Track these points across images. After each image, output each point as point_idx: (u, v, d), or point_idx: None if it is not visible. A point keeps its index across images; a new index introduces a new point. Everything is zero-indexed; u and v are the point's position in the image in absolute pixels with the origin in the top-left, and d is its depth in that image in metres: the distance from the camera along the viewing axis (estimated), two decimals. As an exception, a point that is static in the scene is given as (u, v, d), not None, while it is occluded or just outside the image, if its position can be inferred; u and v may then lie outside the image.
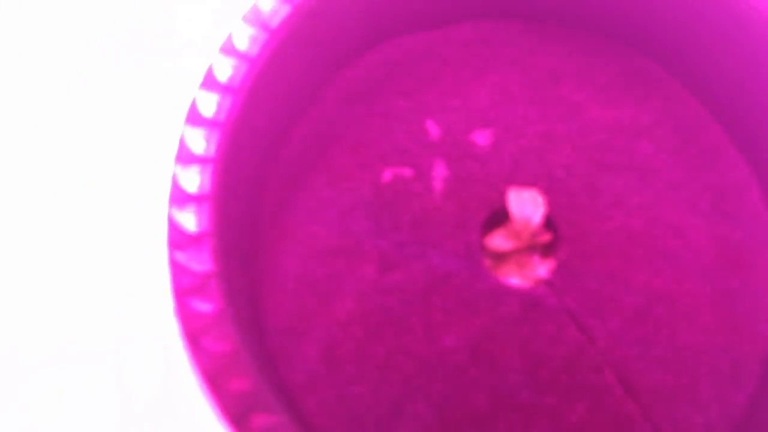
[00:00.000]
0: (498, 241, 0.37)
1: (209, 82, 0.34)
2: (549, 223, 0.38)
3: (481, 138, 0.39)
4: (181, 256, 0.32)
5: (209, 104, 0.34)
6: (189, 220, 0.32)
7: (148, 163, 0.42)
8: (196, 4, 0.45)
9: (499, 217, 0.38)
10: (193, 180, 0.33)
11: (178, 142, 0.33)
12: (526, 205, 0.37)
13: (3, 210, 0.41)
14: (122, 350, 0.40)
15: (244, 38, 0.35)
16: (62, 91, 0.44)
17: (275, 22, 0.35)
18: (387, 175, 0.39)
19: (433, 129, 0.39)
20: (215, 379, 0.31)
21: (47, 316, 0.40)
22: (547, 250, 0.38)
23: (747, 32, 0.37)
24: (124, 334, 0.40)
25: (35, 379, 0.39)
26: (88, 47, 0.44)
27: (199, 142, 0.33)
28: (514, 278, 0.38)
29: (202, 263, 0.32)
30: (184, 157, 0.33)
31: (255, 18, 0.35)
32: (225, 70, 0.34)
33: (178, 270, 0.32)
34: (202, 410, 0.40)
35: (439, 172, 0.38)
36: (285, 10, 0.36)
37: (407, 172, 0.39)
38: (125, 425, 0.39)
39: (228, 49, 0.35)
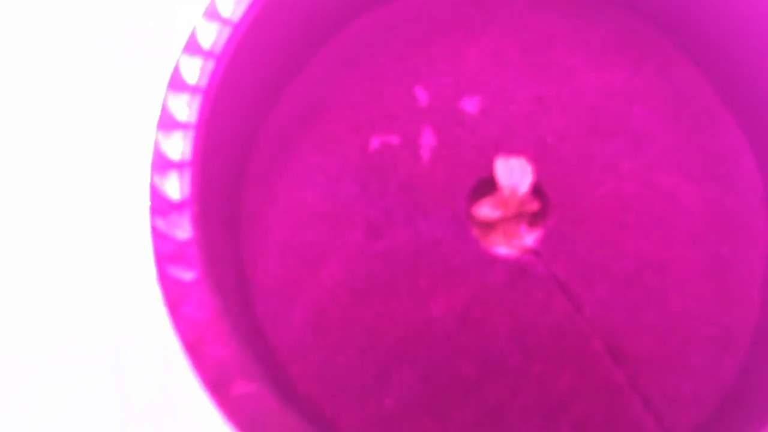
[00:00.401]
0: (485, 209, 0.37)
1: (192, 46, 0.34)
2: (538, 191, 0.38)
3: (470, 105, 0.39)
4: (161, 223, 0.31)
5: (191, 69, 0.34)
6: (170, 187, 0.32)
7: (148, 162, 0.42)
8: (196, 4, 0.45)
9: (487, 186, 0.38)
10: (175, 147, 0.33)
11: (159, 109, 0.33)
12: (514, 174, 0.37)
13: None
14: (122, 349, 0.40)
15: (228, 2, 0.35)
16: (62, 91, 0.43)
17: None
18: (375, 141, 0.38)
19: (422, 95, 0.39)
20: (195, 346, 0.31)
21: (44, 315, 0.40)
22: (535, 219, 0.38)
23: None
24: (123, 333, 0.40)
25: (33, 378, 0.40)
26: (88, 47, 0.44)
27: (181, 108, 0.33)
28: (502, 247, 0.37)
29: (182, 230, 0.32)
30: (166, 123, 0.33)
31: (237, -18, 0.34)
32: (208, 34, 0.34)
33: (158, 237, 0.32)
34: (202, 409, 0.40)
35: (427, 139, 0.38)
36: (269, -26, 0.35)
37: (395, 139, 0.38)
38: (125, 424, 0.39)
39: (211, 13, 0.34)
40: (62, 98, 0.43)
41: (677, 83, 0.39)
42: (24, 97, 0.43)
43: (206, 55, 0.34)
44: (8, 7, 0.44)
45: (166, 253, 0.31)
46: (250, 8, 0.35)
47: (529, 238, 0.38)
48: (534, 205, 0.38)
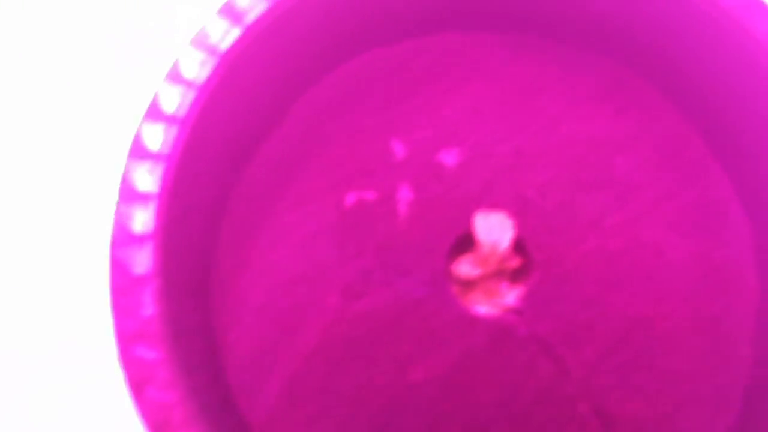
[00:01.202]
0: (465, 267, 0.36)
1: (154, 112, 0.32)
2: (519, 247, 0.36)
3: (449, 158, 0.37)
4: (122, 300, 0.30)
5: (154, 136, 0.32)
6: (131, 261, 0.31)
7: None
8: (195, 5, 0.44)
9: (466, 242, 0.37)
10: (136, 218, 0.31)
11: (121, 176, 0.32)
12: (494, 229, 0.35)
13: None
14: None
15: (192, 63, 0.33)
16: (62, 90, 0.42)
17: (225, 44, 0.34)
18: (351, 197, 0.37)
19: (399, 149, 0.37)
20: (161, 429, 0.29)
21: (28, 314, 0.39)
22: (516, 276, 0.37)
23: (729, 42, 0.35)
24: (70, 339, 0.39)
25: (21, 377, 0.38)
26: (88, 47, 0.43)
27: (142, 176, 0.32)
28: (483, 306, 0.36)
29: (145, 306, 0.30)
30: (127, 193, 0.31)
31: (202, 40, 0.33)
32: (171, 98, 0.33)
33: (120, 315, 0.30)
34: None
35: (404, 195, 0.37)
36: (235, 33, 0.34)
37: (371, 195, 0.37)
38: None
39: (174, 75, 0.33)
40: (62, 97, 0.42)
41: (662, 132, 0.38)
42: (23, 97, 0.42)
43: (169, 120, 0.33)
44: (5, 8, 0.43)
45: (128, 332, 0.30)
46: (216, 69, 0.34)
47: (511, 296, 0.36)
48: (515, 262, 0.36)
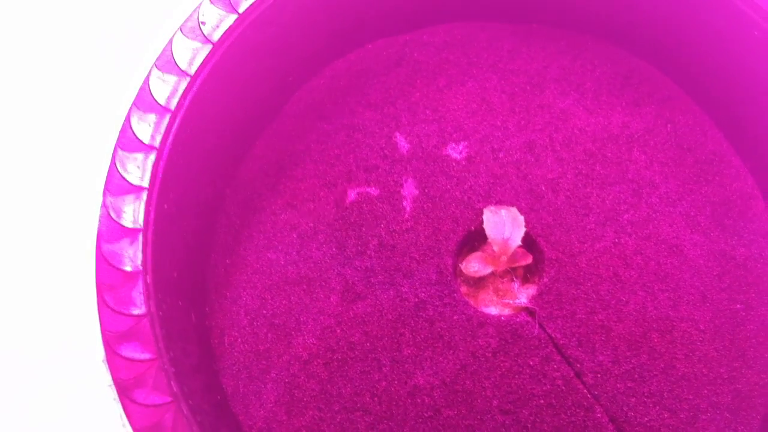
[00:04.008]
0: (474, 265, 0.34)
1: (144, 101, 0.31)
2: (530, 244, 0.35)
3: (456, 152, 0.35)
4: (110, 298, 0.28)
5: (144, 127, 0.31)
6: (122, 254, 0.29)
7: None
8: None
9: (475, 239, 0.35)
10: (126, 211, 0.30)
11: (108, 168, 0.30)
12: (505, 225, 0.33)
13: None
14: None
15: (185, 52, 0.32)
16: (47, 81, 0.40)
17: (217, 33, 0.32)
18: (352, 194, 0.35)
19: (403, 143, 0.36)
20: (149, 436, 0.28)
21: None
22: (528, 274, 0.35)
23: (749, 29, 0.33)
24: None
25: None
26: (89, 46, 0.41)
27: (132, 170, 0.30)
28: (492, 307, 0.34)
29: (135, 305, 0.29)
30: (116, 185, 0.30)
31: (195, 29, 0.31)
32: (163, 88, 0.31)
33: (107, 314, 0.28)
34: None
35: (409, 190, 0.35)
36: (229, 20, 0.32)
37: (373, 191, 0.35)
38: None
39: (166, 64, 0.31)
40: (62, 96, 0.40)
41: (680, 125, 0.36)
42: (24, 97, 0.40)
43: (160, 110, 0.31)
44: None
45: (116, 331, 0.28)
46: (208, 58, 0.32)
47: (523, 296, 0.34)
48: (527, 259, 0.34)
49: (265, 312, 0.34)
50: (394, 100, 0.36)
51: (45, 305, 0.36)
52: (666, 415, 0.33)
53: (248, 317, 0.34)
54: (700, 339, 0.34)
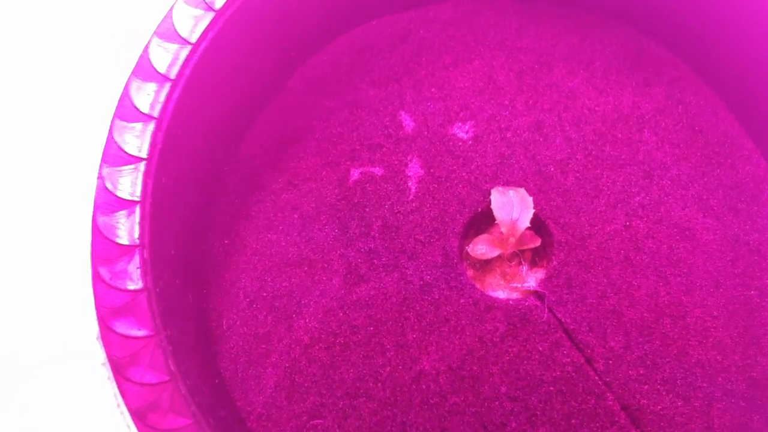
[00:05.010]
0: (481, 247, 0.33)
1: (143, 70, 0.30)
2: (539, 226, 0.33)
3: (462, 131, 0.34)
4: (105, 272, 0.27)
5: (143, 96, 0.29)
6: (117, 230, 0.28)
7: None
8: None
9: (482, 221, 0.34)
10: (123, 183, 0.28)
11: (105, 140, 0.28)
12: (513, 206, 0.32)
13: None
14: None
15: (185, 19, 0.30)
16: (63, 88, 0.39)
17: (221, 1, 0.31)
18: (355, 174, 0.34)
19: (408, 122, 0.35)
20: (144, 415, 0.26)
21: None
22: (536, 257, 0.34)
23: (761, 14, 0.32)
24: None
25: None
26: (88, 46, 0.40)
27: (131, 138, 0.29)
28: (500, 290, 0.33)
29: (131, 280, 0.27)
30: (113, 155, 0.28)
31: (195, -5, 0.30)
32: (162, 56, 0.30)
33: (102, 288, 0.27)
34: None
35: (414, 170, 0.34)
36: (232, -13, 0.31)
37: (378, 170, 0.34)
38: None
39: (166, 32, 0.30)
40: (63, 95, 0.39)
41: (691, 107, 0.35)
42: (25, 97, 0.39)
43: (161, 79, 0.30)
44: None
45: (111, 307, 0.27)
46: (210, 27, 0.31)
47: (531, 279, 0.33)
48: (535, 242, 0.33)
49: (264, 294, 0.33)
50: (398, 78, 0.35)
51: (38, 287, 0.34)
52: (680, 403, 0.32)
53: (247, 299, 0.33)
54: (714, 325, 0.33)
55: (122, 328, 0.27)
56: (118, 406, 0.26)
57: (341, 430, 0.31)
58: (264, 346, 0.32)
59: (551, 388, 0.32)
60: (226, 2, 0.31)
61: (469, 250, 0.33)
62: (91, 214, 0.28)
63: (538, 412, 0.31)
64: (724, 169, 0.34)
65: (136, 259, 0.27)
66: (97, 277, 0.27)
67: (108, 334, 0.26)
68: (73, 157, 0.36)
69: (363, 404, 0.31)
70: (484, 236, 0.33)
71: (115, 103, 0.29)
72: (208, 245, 0.33)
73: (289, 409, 0.31)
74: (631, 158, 0.34)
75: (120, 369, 0.26)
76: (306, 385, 0.32)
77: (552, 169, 0.34)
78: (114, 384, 0.26)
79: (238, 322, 0.32)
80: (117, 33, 0.39)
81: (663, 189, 0.34)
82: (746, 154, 0.35)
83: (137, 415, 0.26)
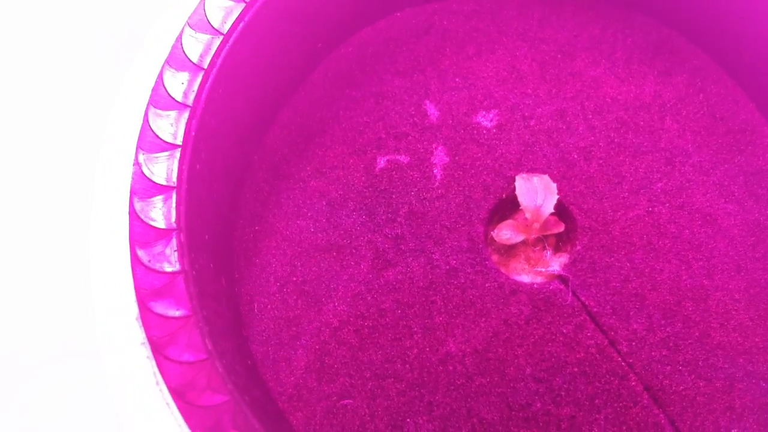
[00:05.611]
0: (506, 233, 0.33)
1: (176, 59, 0.30)
2: (563, 212, 0.34)
3: (486, 120, 0.35)
4: (144, 255, 0.28)
5: (177, 85, 0.30)
6: (154, 214, 0.29)
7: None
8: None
9: (506, 207, 0.34)
10: (159, 170, 0.29)
11: (141, 127, 0.29)
12: (537, 193, 0.33)
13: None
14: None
15: (217, 9, 0.31)
16: (65, 87, 0.40)
17: (251, -9, 0.32)
18: (381, 161, 0.35)
19: (433, 111, 0.35)
20: (183, 392, 0.27)
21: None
22: (560, 242, 0.34)
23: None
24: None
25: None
26: (90, 45, 0.41)
27: (165, 127, 0.30)
28: (524, 274, 0.34)
29: (168, 262, 0.28)
30: (149, 142, 0.29)
31: (227, -14, 0.31)
32: (195, 45, 0.31)
33: (141, 270, 0.28)
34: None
35: (440, 158, 0.35)
36: (262, -21, 0.32)
37: (404, 158, 0.35)
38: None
39: (199, 23, 0.31)
40: (66, 94, 0.40)
41: (711, 96, 0.36)
42: (25, 96, 0.40)
43: (193, 68, 0.30)
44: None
45: (149, 288, 0.28)
46: (240, 18, 0.32)
47: (555, 264, 0.34)
48: (559, 227, 0.34)
49: (294, 279, 0.33)
50: (423, 68, 0.36)
51: (75, 270, 0.35)
52: (701, 384, 0.32)
53: (277, 284, 0.33)
54: (735, 308, 0.33)
55: (161, 308, 0.27)
56: (157, 383, 0.27)
57: (370, 410, 0.32)
58: (294, 329, 0.33)
59: (575, 370, 0.32)
60: (257, -6, 0.32)
61: (494, 235, 0.34)
62: (126, 199, 0.29)
63: (563, 393, 0.32)
64: (745, 155, 0.35)
65: (173, 243, 0.28)
66: (135, 260, 0.28)
67: (147, 315, 0.27)
68: (73, 151, 0.37)
69: (391, 385, 0.32)
70: (509, 222, 0.34)
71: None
72: (239, 231, 0.34)
73: (319, 389, 0.32)
74: (653, 145, 0.35)
75: (159, 348, 0.27)
76: (335, 366, 0.32)
77: (575, 156, 0.35)
78: (153, 363, 0.27)
79: (268, 306, 0.33)
80: (114, 30, 0.40)
81: (684, 175, 0.35)
82: (766, 142, 0.35)
83: (176, 393, 0.27)
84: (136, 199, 0.28)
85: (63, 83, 0.39)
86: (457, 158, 0.35)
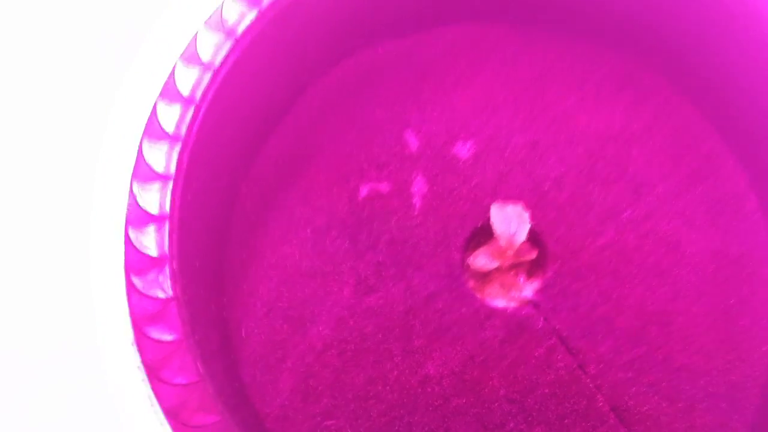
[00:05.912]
0: (481, 260, 0.35)
1: (169, 92, 0.32)
2: (535, 239, 0.36)
3: (463, 150, 0.37)
4: (138, 282, 0.29)
5: (169, 117, 0.31)
6: (148, 243, 0.30)
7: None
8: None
9: (482, 235, 0.36)
10: (152, 200, 0.30)
11: (135, 158, 0.31)
12: (510, 221, 0.35)
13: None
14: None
15: (208, 46, 0.33)
16: (65, 88, 0.41)
17: (240, 28, 0.33)
18: (363, 190, 0.36)
19: (413, 141, 0.37)
20: (176, 413, 0.28)
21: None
22: (533, 269, 0.36)
23: (745, 32, 0.35)
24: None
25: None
26: (90, 45, 0.42)
27: (158, 157, 0.31)
28: (499, 299, 0.35)
29: (161, 289, 0.29)
30: (143, 173, 0.31)
31: (218, 24, 0.33)
32: (186, 79, 0.32)
33: (136, 297, 0.29)
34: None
35: (419, 187, 0.36)
36: (251, 16, 0.33)
37: (384, 187, 0.36)
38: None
39: (190, 57, 0.32)
40: (66, 95, 0.41)
41: (677, 125, 0.38)
42: (26, 97, 0.41)
43: (185, 101, 0.32)
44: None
45: (144, 314, 0.29)
46: (230, 52, 0.33)
47: (528, 289, 0.36)
48: (531, 254, 0.36)
49: (280, 304, 0.35)
50: (403, 100, 0.38)
51: (71, 292, 0.36)
52: (665, 404, 0.34)
53: (264, 309, 0.35)
54: (697, 332, 0.35)
55: (155, 333, 0.29)
56: (152, 405, 0.28)
57: (353, 430, 0.33)
58: (280, 352, 0.34)
59: (546, 391, 0.34)
60: (246, 30, 0.33)
61: (470, 262, 0.35)
62: (121, 226, 0.30)
63: (534, 413, 0.34)
64: (708, 185, 0.37)
65: (165, 270, 0.30)
66: (131, 287, 0.29)
67: (142, 339, 0.29)
68: (72, 155, 0.38)
69: (373, 406, 0.34)
70: (484, 249, 0.36)
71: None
72: (228, 258, 0.35)
73: (304, 410, 0.34)
74: (620, 175, 0.37)
75: (154, 371, 0.29)
76: (320, 388, 0.34)
77: (547, 185, 0.36)
78: (148, 385, 0.28)
79: (256, 330, 0.34)
80: (113, 30, 0.41)
81: (650, 204, 0.36)
82: (728, 172, 0.37)
83: (170, 414, 0.28)
84: (130, 228, 0.30)
85: (54, 103, 0.40)
86: (435, 187, 0.36)
